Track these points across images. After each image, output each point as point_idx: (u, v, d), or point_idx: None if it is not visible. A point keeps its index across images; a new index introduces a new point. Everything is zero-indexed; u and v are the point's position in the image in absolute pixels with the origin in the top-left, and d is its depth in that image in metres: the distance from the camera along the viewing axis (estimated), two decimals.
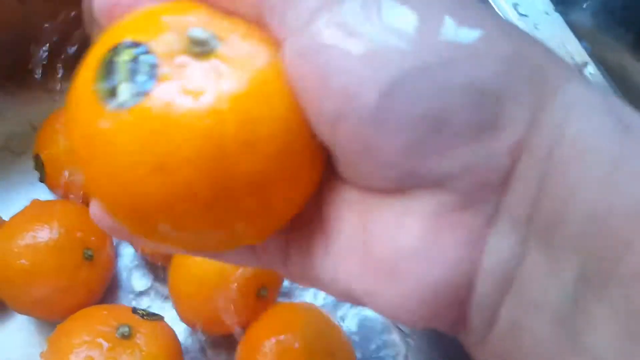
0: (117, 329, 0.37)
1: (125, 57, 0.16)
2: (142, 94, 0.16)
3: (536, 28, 0.29)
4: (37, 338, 0.44)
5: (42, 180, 0.45)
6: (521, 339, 0.16)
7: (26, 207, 0.42)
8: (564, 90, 0.15)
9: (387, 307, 0.17)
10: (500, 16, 0.17)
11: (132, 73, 0.16)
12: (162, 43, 0.17)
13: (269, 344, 0.39)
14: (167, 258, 0.42)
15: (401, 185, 0.16)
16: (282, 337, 0.39)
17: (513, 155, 0.15)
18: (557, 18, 0.32)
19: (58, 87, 0.51)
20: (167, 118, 0.15)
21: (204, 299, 0.39)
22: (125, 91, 0.16)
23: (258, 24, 0.17)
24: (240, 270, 0.39)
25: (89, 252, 0.41)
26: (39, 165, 0.44)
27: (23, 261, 0.39)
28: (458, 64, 0.15)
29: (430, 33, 0.15)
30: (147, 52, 0.16)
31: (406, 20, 0.15)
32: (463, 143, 0.15)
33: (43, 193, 0.48)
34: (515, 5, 0.29)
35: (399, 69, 0.15)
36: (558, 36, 0.31)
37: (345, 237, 0.18)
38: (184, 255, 0.40)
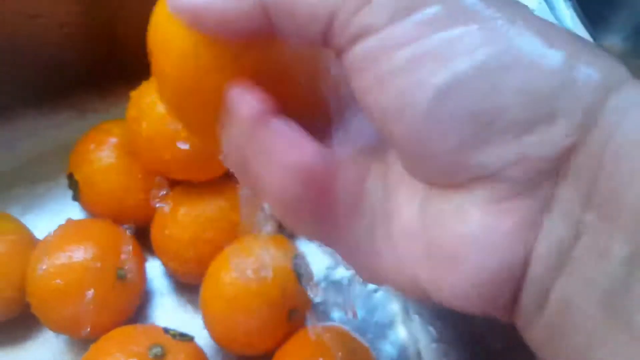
0: (150, 349, 0.37)
1: None
2: None
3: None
4: (69, 356, 0.44)
5: (75, 199, 0.46)
6: (571, 318, 0.17)
7: (60, 226, 0.43)
8: (619, 91, 0.16)
9: (449, 293, 0.19)
10: (555, 22, 0.18)
11: None
12: None
13: None
14: (197, 278, 0.43)
15: (456, 178, 0.18)
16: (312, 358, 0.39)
17: (567, 146, 0.16)
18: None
19: (91, 107, 0.53)
20: None
21: (235, 319, 0.40)
22: None
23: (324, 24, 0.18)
24: (272, 291, 0.39)
25: (122, 272, 0.41)
26: (73, 184, 0.45)
27: (58, 281, 0.39)
28: (515, 68, 0.16)
29: (490, 40, 0.17)
30: None
31: (470, 28, 0.17)
32: (515, 136, 0.17)
33: (76, 212, 0.49)
34: None
35: (455, 70, 0.17)
36: None
37: (408, 225, 0.20)
38: (216, 276, 0.40)
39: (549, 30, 0.17)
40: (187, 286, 0.47)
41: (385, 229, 0.21)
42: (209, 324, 0.41)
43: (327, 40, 0.18)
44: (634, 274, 0.16)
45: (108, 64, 0.51)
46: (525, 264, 0.17)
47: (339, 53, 0.19)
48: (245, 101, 0.19)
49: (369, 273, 0.22)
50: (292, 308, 0.40)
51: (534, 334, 0.18)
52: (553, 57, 0.16)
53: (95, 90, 0.53)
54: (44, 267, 0.40)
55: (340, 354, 0.39)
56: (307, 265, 0.41)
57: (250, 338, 0.41)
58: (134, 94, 0.42)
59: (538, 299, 0.18)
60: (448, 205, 0.18)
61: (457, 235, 0.18)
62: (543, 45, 0.17)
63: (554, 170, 0.17)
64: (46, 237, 0.42)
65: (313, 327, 0.42)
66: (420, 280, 0.20)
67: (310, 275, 0.41)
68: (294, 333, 0.41)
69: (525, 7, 0.18)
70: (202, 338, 0.42)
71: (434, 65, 0.17)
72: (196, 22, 0.19)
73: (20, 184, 0.50)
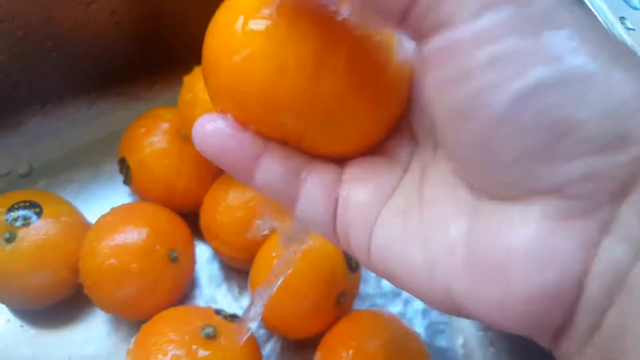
0: (203, 329, 0.38)
1: None
2: None
3: None
4: (119, 336, 0.45)
5: (127, 183, 0.46)
6: (625, 343, 0.16)
7: (113, 209, 0.44)
8: None
9: (489, 310, 0.18)
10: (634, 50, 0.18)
11: None
12: None
13: (348, 350, 0.39)
14: (246, 262, 0.43)
15: (518, 189, 0.17)
16: (361, 343, 0.39)
17: (631, 171, 0.16)
18: None
19: (139, 94, 0.54)
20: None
21: (284, 302, 0.40)
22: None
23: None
24: (321, 275, 0.40)
25: (175, 254, 0.42)
26: (125, 169, 0.46)
27: (112, 261, 0.40)
28: (598, 85, 0.16)
29: (578, 50, 0.16)
30: None
31: (560, 35, 0.16)
32: (587, 153, 0.16)
33: (125, 197, 0.50)
34: (622, 19, 0.29)
35: (538, 76, 0.16)
36: None
37: (449, 237, 0.19)
38: (267, 259, 0.41)
39: (625, 53, 0.17)
40: (234, 270, 0.48)
41: (421, 237, 0.20)
42: None
43: (406, 21, 0.17)
44: None
45: (156, 51, 0.52)
46: (580, 285, 0.16)
47: (418, 39, 0.18)
48: None
49: (398, 280, 0.21)
50: (341, 292, 0.41)
51: None
52: (632, 83, 0.16)
53: (143, 78, 0.54)
54: (99, 248, 0.41)
55: (388, 338, 0.40)
56: None
57: (299, 321, 0.41)
58: (187, 78, 0.43)
59: (592, 323, 0.17)
60: (500, 217, 0.18)
61: (507, 248, 0.17)
62: (623, 69, 0.16)
63: (619, 192, 0.16)
64: (100, 218, 0.43)
65: (361, 311, 0.43)
66: (455, 293, 0.19)
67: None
68: (342, 317, 0.42)
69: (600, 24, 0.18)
70: None
71: (516, 67, 0.16)
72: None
73: (71, 169, 0.51)
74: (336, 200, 0.22)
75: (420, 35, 0.17)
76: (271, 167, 0.22)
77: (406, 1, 0.17)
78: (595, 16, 0.29)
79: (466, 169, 0.19)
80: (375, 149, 0.23)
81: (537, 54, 0.16)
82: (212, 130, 0.22)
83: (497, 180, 0.17)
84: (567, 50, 0.16)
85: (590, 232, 0.16)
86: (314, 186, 0.22)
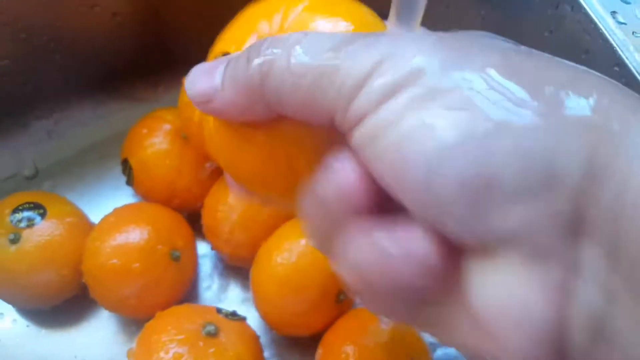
0: (204, 327, 0.38)
1: None
2: None
3: (634, 35, 0.29)
4: (123, 336, 0.45)
5: (129, 183, 0.47)
6: None
7: (116, 209, 0.44)
8: (627, 134, 0.15)
9: None
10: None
11: None
12: None
13: (349, 348, 0.39)
14: (247, 260, 0.43)
15: (472, 242, 0.17)
16: (361, 340, 0.39)
17: (575, 206, 0.16)
18: None
19: (142, 96, 0.54)
20: None
21: (285, 300, 0.40)
22: None
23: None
24: (322, 273, 0.40)
25: (176, 253, 0.42)
26: (127, 169, 0.46)
27: (115, 261, 0.41)
28: (505, 130, 0.16)
29: (469, 105, 0.16)
30: None
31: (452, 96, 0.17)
32: (519, 201, 0.16)
33: (128, 197, 0.50)
34: (613, 14, 0.29)
35: (441, 140, 0.16)
36: None
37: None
38: (268, 257, 0.41)
39: (529, 73, 0.17)
40: (235, 269, 0.48)
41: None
42: (259, 304, 0.42)
43: (334, 127, 0.19)
44: None
45: (157, 53, 0.53)
46: (563, 334, 0.16)
47: (346, 137, 0.19)
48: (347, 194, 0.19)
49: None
50: (341, 290, 0.41)
51: None
52: (536, 109, 0.16)
53: (145, 80, 0.54)
54: (101, 248, 0.41)
55: (389, 335, 0.40)
56: None
57: (300, 318, 0.41)
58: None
59: None
60: (474, 271, 0.17)
61: (486, 303, 0.17)
62: (525, 97, 0.16)
63: (572, 230, 0.16)
64: (102, 219, 0.44)
65: (360, 309, 0.43)
66: (470, 348, 0.19)
67: None
68: (342, 315, 0.42)
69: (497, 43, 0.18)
70: (250, 319, 0.43)
71: (421, 138, 0.16)
72: (204, 108, 0.21)
73: (76, 171, 0.52)
74: None
75: (347, 135, 0.18)
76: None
77: (327, 118, 0.19)
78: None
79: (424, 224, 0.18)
80: None
81: (438, 121, 0.16)
82: None
83: (460, 235, 0.17)
84: (461, 114, 0.16)
85: (558, 277, 0.16)
86: None
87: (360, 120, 0.18)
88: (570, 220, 0.16)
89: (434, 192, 0.17)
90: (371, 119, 0.18)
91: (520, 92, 0.16)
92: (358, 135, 0.18)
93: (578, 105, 0.16)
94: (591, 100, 0.16)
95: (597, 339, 0.16)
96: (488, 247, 0.17)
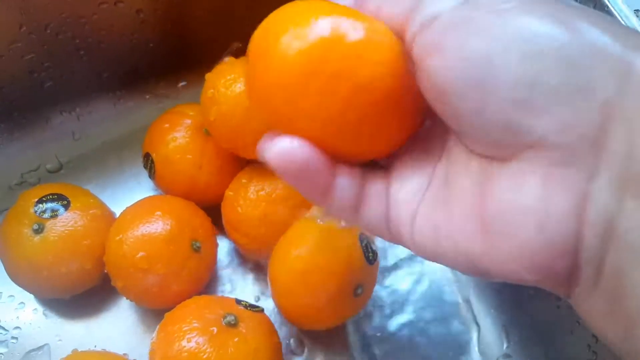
0: (224, 317, 0.39)
1: None
2: None
3: None
4: (144, 326, 0.46)
5: (151, 177, 0.48)
6: (624, 287, 0.18)
7: (138, 202, 0.45)
8: None
9: (505, 264, 0.20)
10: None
11: None
12: None
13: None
14: (266, 254, 0.44)
15: (509, 146, 0.19)
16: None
17: (604, 114, 0.17)
18: None
19: (163, 92, 0.55)
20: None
21: (302, 293, 0.41)
22: None
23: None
24: (339, 267, 0.40)
25: (197, 244, 0.43)
26: (149, 163, 0.47)
27: (138, 251, 0.41)
28: (556, 36, 0.18)
29: (529, 9, 0.19)
30: None
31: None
32: (557, 102, 0.18)
33: (149, 191, 0.51)
34: (637, 12, 0.30)
35: (495, 38, 0.19)
36: None
37: (465, 207, 0.21)
38: (285, 251, 0.42)
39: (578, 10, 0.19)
40: (253, 263, 0.49)
41: (445, 211, 0.22)
42: (276, 297, 0.43)
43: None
44: None
45: (179, 50, 0.53)
46: (578, 234, 0.18)
47: (410, 44, 0.21)
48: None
49: (428, 252, 0.23)
50: (358, 284, 0.41)
51: (590, 306, 0.19)
52: (587, 31, 0.18)
53: (167, 76, 0.55)
54: (124, 238, 0.42)
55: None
56: (373, 242, 0.43)
57: (317, 312, 0.42)
58: (208, 76, 0.44)
59: (595, 270, 0.18)
60: (504, 177, 0.19)
61: (512, 206, 0.19)
62: (580, 18, 0.19)
63: (596, 139, 0.18)
64: (125, 210, 0.45)
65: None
66: (475, 255, 0.21)
67: (376, 252, 0.42)
68: (359, 309, 0.43)
69: None
70: (267, 312, 0.43)
71: (478, 39, 0.19)
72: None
73: (97, 165, 0.53)
74: (388, 205, 0.24)
75: (413, 38, 0.21)
76: (345, 185, 0.23)
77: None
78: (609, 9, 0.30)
79: (468, 137, 0.21)
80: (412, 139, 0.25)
81: (497, 20, 0.19)
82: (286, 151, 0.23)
83: (492, 140, 0.20)
84: (520, 11, 0.19)
85: (579, 181, 0.18)
86: (375, 195, 0.24)
87: (428, 24, 0.20)
88: (597, 130, 0.18)
89: (487, 91, 0.19)
90: (435, 24, 0.20)
91: (567, 15, 0.19)
92: (426, 36, 0.20)
93: (614, 43, 0.18)
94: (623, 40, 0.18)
95: (608, 239, 0.18)
96: (521, 152, 0.19)
